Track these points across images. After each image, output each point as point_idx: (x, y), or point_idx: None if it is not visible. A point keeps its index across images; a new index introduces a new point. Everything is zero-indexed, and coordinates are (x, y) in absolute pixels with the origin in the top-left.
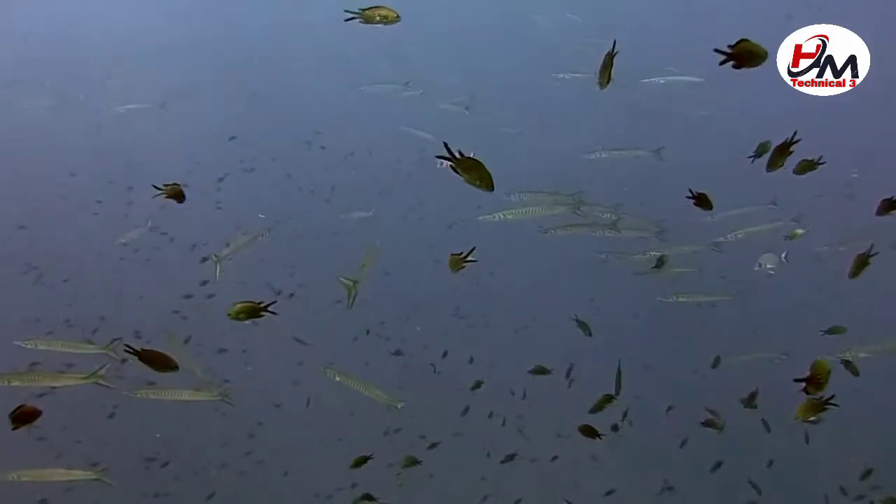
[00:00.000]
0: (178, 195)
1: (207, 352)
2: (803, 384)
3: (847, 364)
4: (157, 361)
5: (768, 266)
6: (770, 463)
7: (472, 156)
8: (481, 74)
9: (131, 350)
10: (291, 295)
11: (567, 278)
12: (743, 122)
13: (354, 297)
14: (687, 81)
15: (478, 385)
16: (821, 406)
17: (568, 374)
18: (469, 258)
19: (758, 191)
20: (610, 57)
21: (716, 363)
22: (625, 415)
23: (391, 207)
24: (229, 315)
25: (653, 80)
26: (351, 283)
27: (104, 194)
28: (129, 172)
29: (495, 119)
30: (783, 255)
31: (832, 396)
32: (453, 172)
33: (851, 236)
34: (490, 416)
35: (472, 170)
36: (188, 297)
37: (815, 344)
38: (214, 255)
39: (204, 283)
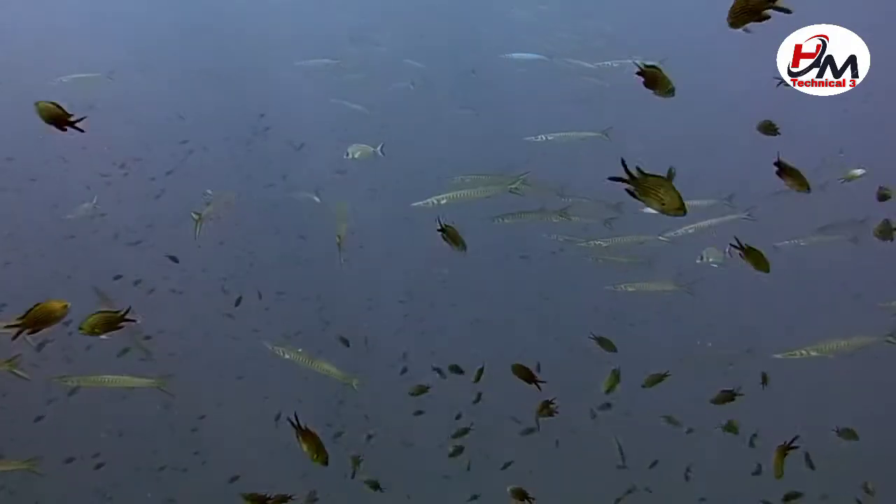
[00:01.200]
0: (58, 119)
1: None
2: None
3: None
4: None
5: (710, 259)
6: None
7: (656, 174)
8: (444, 55)
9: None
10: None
11: (525, 268)
12: (705, 109)
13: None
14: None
15: (423, 390)
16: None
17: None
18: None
19: (719, 181)
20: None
21: (655, 380)
22: (609, 404)
23: (341, 194)
24: (82, 330)
25: (606, 63)
26: (339, 240)
27: (41, 171)
28: (68, 148)
29: (449, 99)
30: (727, 249)
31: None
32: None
33: (812, 232)
34: (448, 412)
35: (658, 189)
36: (117, 278)
37: (775, 340)
38: (195, 214)
39: (136, 282)
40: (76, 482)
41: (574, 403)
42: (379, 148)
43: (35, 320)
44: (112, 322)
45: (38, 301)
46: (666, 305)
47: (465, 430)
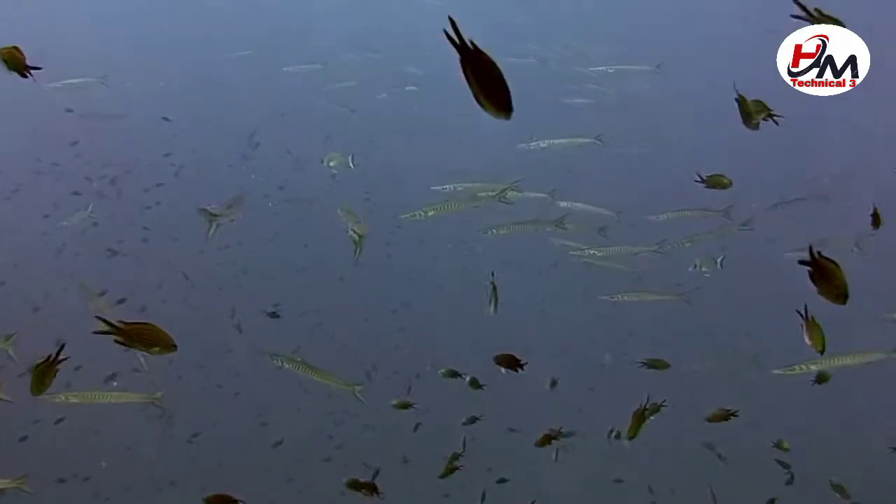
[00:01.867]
0: (18, 63)
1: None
2: None
3: None
4: None
5: (703, 269)
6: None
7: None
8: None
9: None
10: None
11: (524, 278)
12: (703, 114)
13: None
14: (638, 70)
15: (405, 405)
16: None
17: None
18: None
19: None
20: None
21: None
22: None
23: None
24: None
25: (601, 68)
26: (357, 239)
27: (29, 180)
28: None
29: (445, 105)
30: (720, 259)
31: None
32: None
33: (812, 243)
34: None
35: (833, 279)
36: (103, 293)
37: (777, 354)
38: (210, 214)
39: (122, 300)
40: (68, 501)
41: (575, 414)
42: (350, 158)
43: (134, 335)
44: (51, 368)
45: (38, 307)
46: (665, 315)
47: (457, 456)
